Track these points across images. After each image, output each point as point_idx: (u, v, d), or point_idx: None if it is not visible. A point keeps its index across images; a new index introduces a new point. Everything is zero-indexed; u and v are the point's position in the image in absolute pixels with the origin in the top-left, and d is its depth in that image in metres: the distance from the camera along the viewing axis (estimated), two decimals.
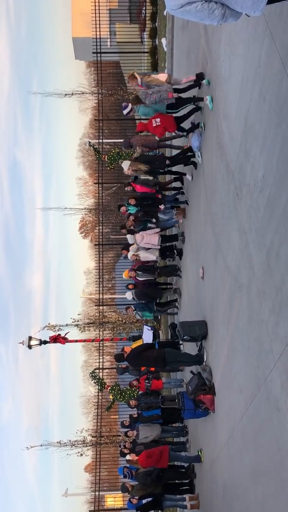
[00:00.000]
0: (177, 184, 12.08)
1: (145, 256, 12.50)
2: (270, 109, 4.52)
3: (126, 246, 13.32)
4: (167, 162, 10.86)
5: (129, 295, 13.40)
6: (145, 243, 12.32)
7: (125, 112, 9.94)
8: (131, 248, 12.91)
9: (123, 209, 12.95)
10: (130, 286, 13.30)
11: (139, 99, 8.90)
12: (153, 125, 9.42)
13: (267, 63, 4.60)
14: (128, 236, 12.98)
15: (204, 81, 8.40)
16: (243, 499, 5.84)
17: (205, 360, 8.63)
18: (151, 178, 11.63)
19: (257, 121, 5.01)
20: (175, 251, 13.25)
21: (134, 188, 12.22)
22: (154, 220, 12.34)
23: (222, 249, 7.05)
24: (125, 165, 10.86)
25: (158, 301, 13.69)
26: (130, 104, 9.59)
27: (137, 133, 11.14)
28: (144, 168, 10.16)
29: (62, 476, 62.62)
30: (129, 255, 12.69)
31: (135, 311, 13.47)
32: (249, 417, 5.49)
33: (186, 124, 9.68)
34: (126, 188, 12.61)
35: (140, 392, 12.00)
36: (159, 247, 12.60)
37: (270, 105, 4.50)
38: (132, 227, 12.66)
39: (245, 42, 5.43)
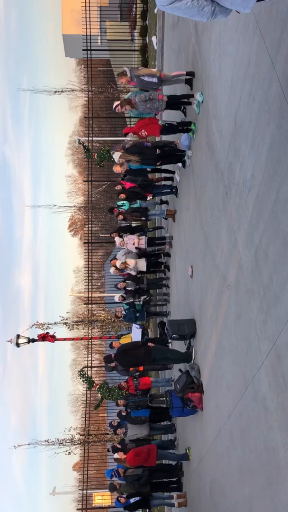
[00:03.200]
0: (167, 182, 12.10)
1: (132, 262, 12.51)
2: (259, 108, 4.53)
3: (118, 229, 13.34)
4: (158, 151, 10.80)
5: (117, 298, 13.53)
6: (132, 246, 12.38)
7: (114, 105, 9.95)
8: (118, 255, 12.98)
9: (115, 211, 13.01)
10: (119, 286, 13.37)
11: (129, 102, 8.87)
12: (140, 133, 9.58)
13: (256, 62, 4.61)
14: (116, 239, 13.05)
15: (199, 98, 8.17)
16: (230, 497, 5.86)
17: (193, 358, 8.64)
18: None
19: (246, 120, 5.02)
20: (162, 266, 13.46)
21: (124, 186, 12.23)
22: (143, 218, 12.39)
23: (211, 248, 7.06)
24: (116, 156, 10.84)
25: (147, 298, 13.73)
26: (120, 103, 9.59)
27: (125, 134, 11.15)
28: (135, 159, 10.09)
29: (50, 474, 62.53)
30: (118, 263, 12.72)
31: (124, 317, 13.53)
32: (237, 415, 5.51)
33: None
34: (116, 187, 12.61)
35: (128, 392, 11.98)
36: (145, 248, 12.68)
37: (260, 104, 4.51)
38: (123, 220, 12.68)
39: (235, 41, 5.43)
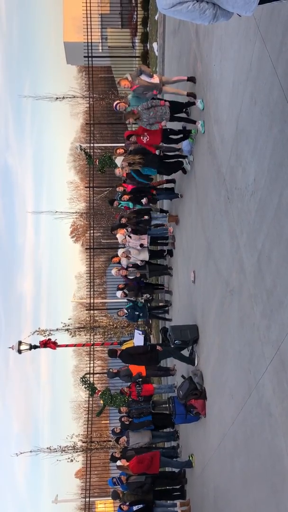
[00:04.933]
0: (169, 185, 12.10)
1: (135, 252, 12.50)
2: (261, 112, 4.51)
3: (115, 227, 13.20)
4: (160, 153, 10.78)
5: (119, 294, 13.47)
6: (134, 243, 12.35)
7: (114, 103, 9.94)
8: (119, 252, 12.96)
9: (115, 203, 12.90)
10: (120, 286, 13.33)
11: (134, 114, 8.84)
12: (142, 139, 9.56)
13: (258, 67, 4.60)
14: (118, 236, 12.95)
15: (199, 104, 8.18)
16: (235, 504, 5.79)
17: (196, 364, 8.59)
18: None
19: (248, 124, 5.00)
20: (166, 250, 13.31)
21: (126, 189, 12.22)
22: (146, 217, 12.36)
23: (214, 252, 7.03)
24: (119, 160, 10.83)
25: (149, 304, 13.69)
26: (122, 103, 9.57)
27: (127, 138, 11.12)
28: (138, 159, 10.04)
29: (52, 482, 62.13)
30: (119, 252, 12.70)
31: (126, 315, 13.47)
32: (241, 421, 5.45)
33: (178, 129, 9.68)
34: (117, 189, 12.57)
35: (131, 399, 11.90)
36: (148, 246, 12.67)
37: (262, 108, 4.50)
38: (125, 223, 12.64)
39: (236, 45, 5.43)
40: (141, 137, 9.57)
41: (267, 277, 4.43)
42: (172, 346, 9.32)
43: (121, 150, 10.86)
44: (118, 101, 9.49)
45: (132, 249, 12.49)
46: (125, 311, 13.36)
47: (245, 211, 5.14)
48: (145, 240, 12.40)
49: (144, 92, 8.78)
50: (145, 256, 12.68)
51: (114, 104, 9.53)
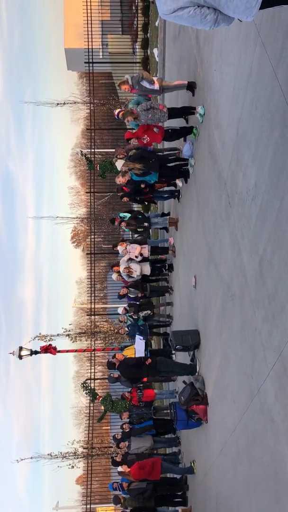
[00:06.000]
0: (169, 188, 12.11)
1: (136, 267, 12.48)
2: (262, 117, 4.52)
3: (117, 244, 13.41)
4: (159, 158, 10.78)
5: (120, 311, 13.47)
6: (135, 255, 12.36)
7: (115, 112, 10.00)
8: (121, 261, 12.96)
9: (117, 220, 13.01)
10: (121, 293, 13.30)
11: (133, 114, 8.89)
12: (142, 140, 9.56)
13: (258, 72, 4.61)
14: (119, 248, 13.03)
15: (200, 111, 8.16)
16: (237, 511, 5.75)
17: (197, 370, 8.55)
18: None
19: (249, 129, 5.00)
20: (166, 266, 13.36)
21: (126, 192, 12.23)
22: (145, 224, 12.36)
23: (215, 257, 7.01)
24: (119, 164, 10.80)
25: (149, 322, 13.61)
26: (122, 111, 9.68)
27: (127, 140, 11.13)
28: (138, 166, 10.03)
29: (53, 489, 61.83)
30: (121, 268, 12.68)
31: (127, 323, 13.43)
32: (243, 427, 5.41)
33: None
34: (118, 194, 12.62)
35: (132, 404, 11.85)
36: (148, 257, 12.66)
37: (262, 113, 4.50)
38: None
39: (236, 51, 5.45)
40: (142, 139, 9.55)
41: (268, 282, 4.41)
42: (173, 351, 9.27)
43: (122, 155, 10.85)
44: (119, 110, 9.56)
45: (133, 264, 12.46)
46: (126, 329, 13.35)
47: (246, 215, 5.13)
48: (145, 249, 12.41)
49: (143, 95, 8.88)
50: (147, 270, 12.67)
51: (116, 113, 9.61)
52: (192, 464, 9.20)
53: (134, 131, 9.73)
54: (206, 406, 7.70)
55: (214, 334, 7.10)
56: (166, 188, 12.26)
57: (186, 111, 8.88)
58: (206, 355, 7.88)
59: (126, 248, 12.60)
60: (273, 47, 4.18)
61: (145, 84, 8.63)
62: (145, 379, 11.62)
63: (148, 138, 9.40)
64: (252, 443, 5.04)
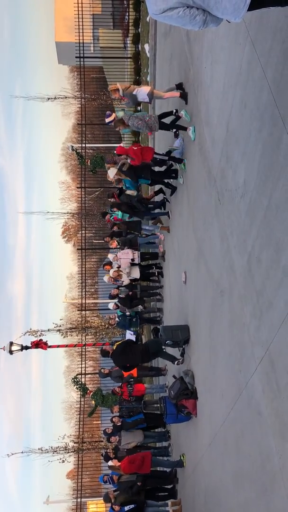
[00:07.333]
0: (159, 197, 12.16)
1: (125, 278, 12.65)
2: (251, 115, 4.56)
3: (112, 234, 13.47)
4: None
5: (111, 306, 13.53)
6: (126, 261, 12.48)
7: (107, 120, 10.03)
8: (113, 263, 13.06)
9: (107, 217, 13.07)
10: (112, 293, 13.34)
11: (123, 122, 8.97)
12: (133, 152, 9.66)
13: (248, 70, 4.65)
14: (110, 256, 13.18)
15: (184, 114, 8.38)
16: (225, 503, 5.84)
17: (177, 363, 8.79)
18: (134, 194, 11.63)
19: (238, 127, 5.05)
20: (156, 272, 13.46)
21: (116, 201, 12.37)
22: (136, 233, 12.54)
23: (204, 254, 7.07)
24: (111, 172, 10.91)
25: (140, 309, 13.71)
26: (113, 114, 9.72)
27: (119, 155, 11.19)
28: (130, 179, 10.24)
29: (43, 483, 61.92)
30: (111, 272, 12.75)
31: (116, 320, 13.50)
32: (231, 421, 5.50)
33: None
34: (109, 199, 12.75)
35: (122, 399, 11.92)
36: (138, 262, 12.79)
37: (251, 111, 4.55)
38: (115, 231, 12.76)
39: (226, 49, 5.48)
40: (132, 159, 9.72)
41: (256, 278, 4.48)
42: (164, 346, 9.37)
43: (113, 165, 11.00)
44: (110, 120, 9.63)
45: (123, 268, 12.59)
46: (117, 318, 13.41)
47: (235, 213, 5.19)
48: (136, 255, 12.56)
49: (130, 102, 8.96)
50: (136, 274, 12.78)
51: (107, 121, 9.69)
52: (182, 458, 9.30)
53: (125, 138, 9.92)
54: (196, 400, 7.79)
55: (204, 330, 7.17)
56: (156, 198, 12.36)
57: (177, 127, 8.93)
58: (196, 350, 7.96)
59: (116, 255, 12.74)
60: (262, 46, 4.23)
61: (140, 96, 8.71)
62: (135, 375, 11.70)
63: (136, 159, 9.56)
64: (240, 436, 5.12)
